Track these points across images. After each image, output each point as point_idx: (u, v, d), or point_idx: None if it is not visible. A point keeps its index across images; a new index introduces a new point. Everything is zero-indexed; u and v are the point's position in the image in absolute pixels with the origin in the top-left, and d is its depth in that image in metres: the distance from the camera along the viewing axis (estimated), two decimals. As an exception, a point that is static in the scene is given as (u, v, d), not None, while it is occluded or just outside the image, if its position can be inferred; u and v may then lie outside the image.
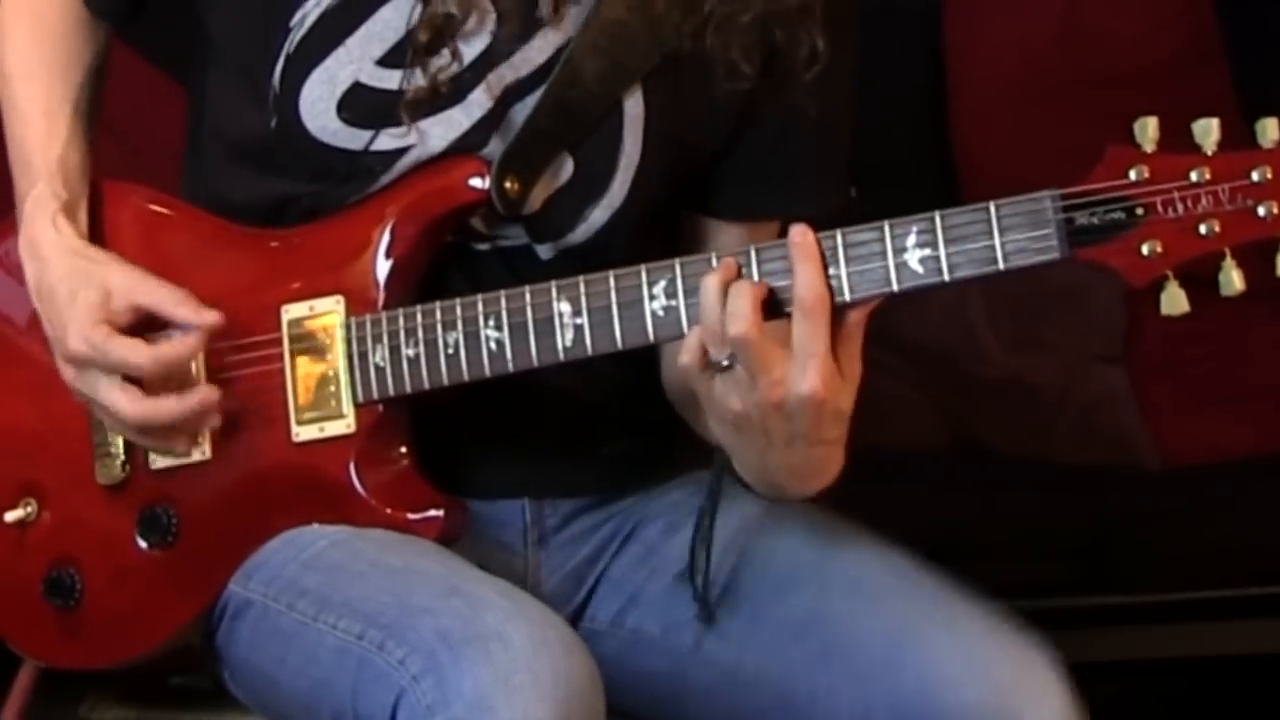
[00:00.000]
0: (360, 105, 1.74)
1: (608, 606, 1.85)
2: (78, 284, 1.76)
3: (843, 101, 1.81)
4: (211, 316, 1.73)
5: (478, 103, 1.74)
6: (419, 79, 1.72)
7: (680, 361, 1.60)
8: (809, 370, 1.54)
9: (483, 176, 1.72)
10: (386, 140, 1.74)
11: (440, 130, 1.74)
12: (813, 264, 1.55)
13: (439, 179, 1.74)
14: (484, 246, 1.78)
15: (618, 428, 1.85)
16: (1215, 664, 3.01)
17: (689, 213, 1.85)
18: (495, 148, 1.73)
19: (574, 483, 1.86)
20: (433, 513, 1.74)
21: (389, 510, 1.74)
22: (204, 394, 1.74)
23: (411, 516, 1.74)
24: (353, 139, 1.74)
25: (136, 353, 1.72)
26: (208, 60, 1.87)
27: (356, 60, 1.74)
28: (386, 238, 1.74)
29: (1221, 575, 2.88)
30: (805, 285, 1.55)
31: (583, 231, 1.76)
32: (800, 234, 1.57)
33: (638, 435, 1.86)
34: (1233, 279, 1.50)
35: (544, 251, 1.77)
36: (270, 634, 1.73)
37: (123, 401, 1.73)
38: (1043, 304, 3.15)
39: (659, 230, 1.80)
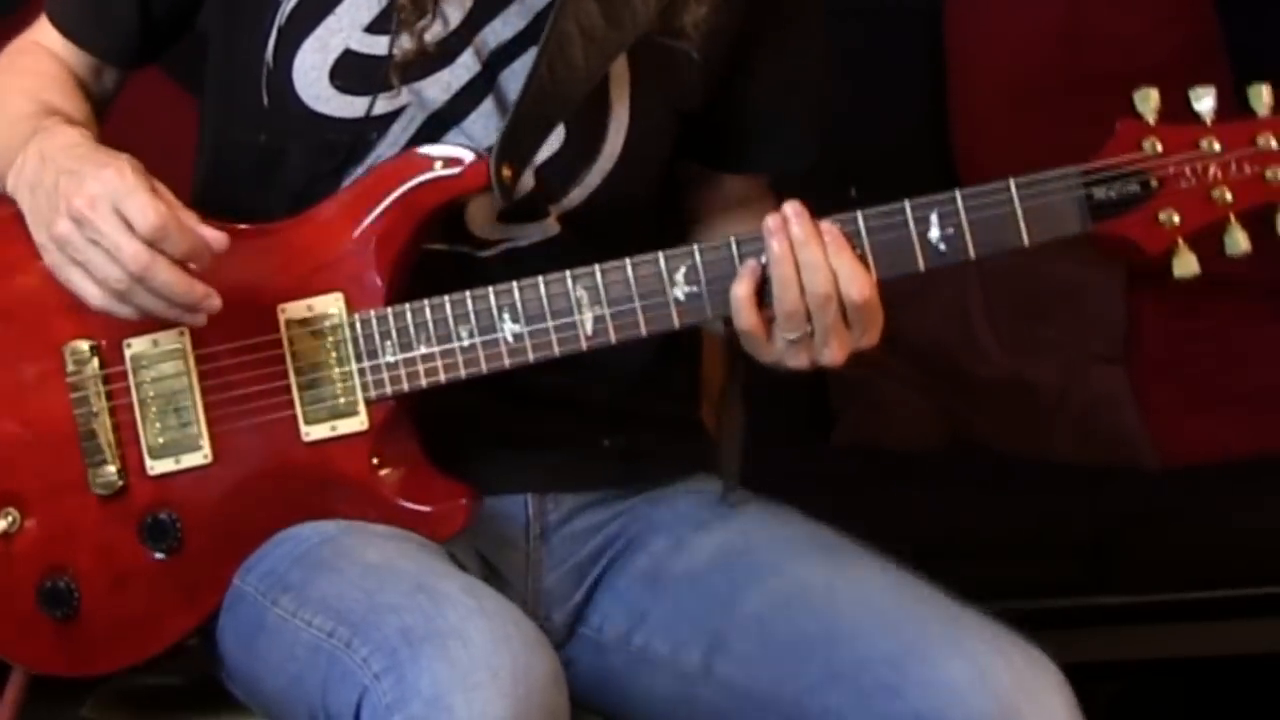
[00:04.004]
0: (352, 72, 1.75)
1: (615, 624, 1.83)
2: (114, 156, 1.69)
3: (817, 56, 1.86)
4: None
5: (465, 65, 1.75)
6: (406, 42, 1.73)
7: (741, 324, 1.67)
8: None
9: (479, 166, 1.73)
10: (381, 105, 1.75)
11: (432, 93, 1.75)
12: (847, 252, 1.63)
13: (433, 170, 1.74)
14: (488, 253, 1.78)
15: (621, 422, 1.85)
16: (1215, 664, 3.01)
17: (683, 162, 1.87)
18: (485, 111, 1.75)
19: (577, 477, 1.85)
20: (462, 501, 1.75)
21: (411, 504, 1.74)
22: (205, 290, 1.67)
23: (436, 508, 1.74)
24: (348, 107, 1.76)
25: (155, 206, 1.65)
26: (208, 56, 1.87)
27: (346, 28, 1.75)
28: (381, 232, 1.74)
29: (1221, 575, 2.88)
30: (850, 278, 1.63)
31: (577, 195, 1.77)
32: (827, 225, 1.64)
33: (641, 430, 1.86)
34: (1238, 240, 1.61)
35: (541, 231, 1.77)
36: (256, 629, 1.73)
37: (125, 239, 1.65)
38: (1042, 304, 3.16)
39: (657, 191, 1.83)
